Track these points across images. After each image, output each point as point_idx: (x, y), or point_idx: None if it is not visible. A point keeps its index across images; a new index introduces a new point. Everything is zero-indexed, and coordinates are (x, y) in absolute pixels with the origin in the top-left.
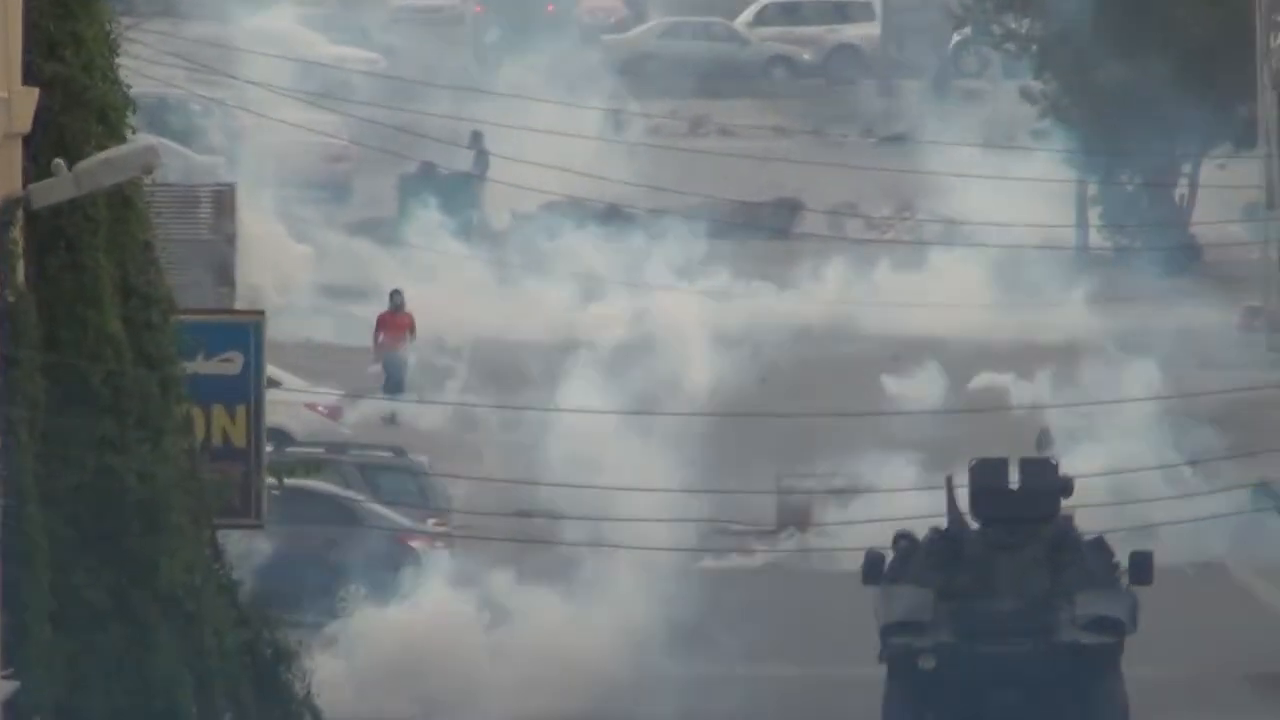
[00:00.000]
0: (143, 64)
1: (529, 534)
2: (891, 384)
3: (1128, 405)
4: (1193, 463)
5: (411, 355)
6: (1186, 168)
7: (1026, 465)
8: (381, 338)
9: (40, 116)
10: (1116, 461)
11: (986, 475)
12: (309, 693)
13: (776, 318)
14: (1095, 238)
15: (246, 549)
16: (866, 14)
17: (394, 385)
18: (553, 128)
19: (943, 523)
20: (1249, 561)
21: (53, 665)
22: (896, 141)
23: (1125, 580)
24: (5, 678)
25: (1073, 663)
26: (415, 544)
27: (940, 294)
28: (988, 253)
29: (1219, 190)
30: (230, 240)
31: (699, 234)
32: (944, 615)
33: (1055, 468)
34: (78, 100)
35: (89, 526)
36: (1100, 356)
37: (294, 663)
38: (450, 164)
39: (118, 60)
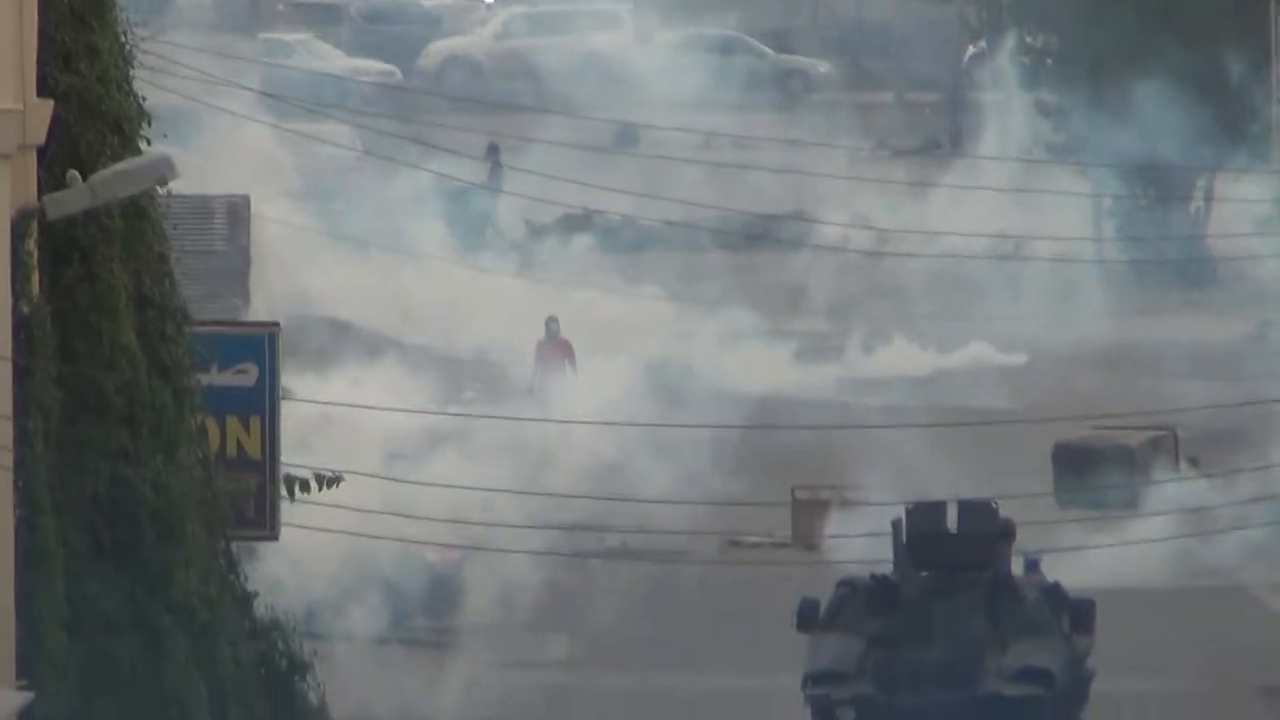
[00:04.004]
0: (157, 75)
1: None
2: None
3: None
4: (1208, 475)
5: (572, 382)
6: (1201, 181)
7: (965, 508)
8: (542, 371)
9: (55, 128)
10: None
11: (923, 519)
12: (324, 703)
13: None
14: (1110, 251)
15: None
16: (613, 23)
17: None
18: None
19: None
20: (1264, 575)
21: (67, 675)
22: (913, 155)
23: (1068, 629)
24: (20, 688)
25: (996, 716)
26: (432, 556)
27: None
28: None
29: (1233, 204)
30: (244, 251)
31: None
32: (869, 665)
33: (995, 511)
34: (93, 112)
35: (104, 536)
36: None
37: (309, 673)
38: (466, 176)
39: (133, 71)
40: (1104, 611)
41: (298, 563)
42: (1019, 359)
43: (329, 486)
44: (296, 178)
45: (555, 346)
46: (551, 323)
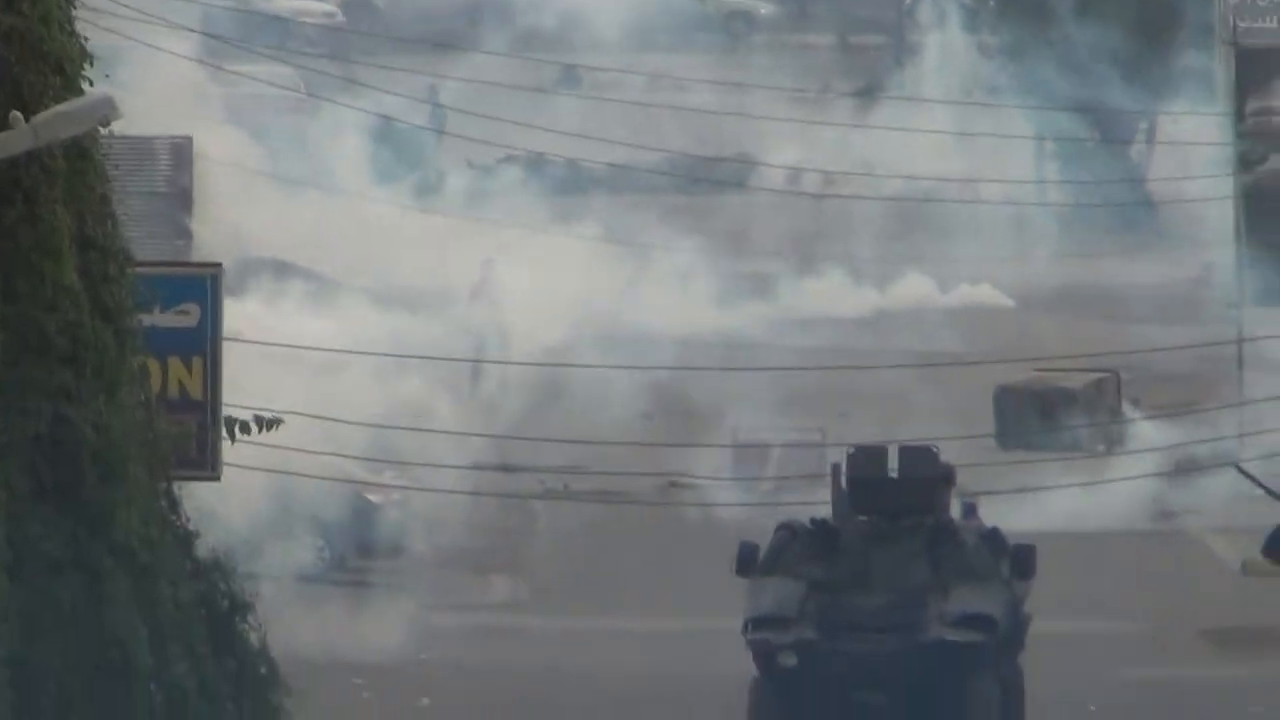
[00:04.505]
0: (99, 15)
1: (490, 487)
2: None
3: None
4: (1151, 418)
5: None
6: (1144, 123)
7: (906, 454)
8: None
9: None
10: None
11: (864, 464)
12: (265, 644)
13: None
14: (1053, 193)
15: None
16: None
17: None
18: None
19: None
20: (1204, 518)
21: (8, 616)
22: (854, 98)
23: (1008, 574)
24: None
25: (939, 662)
26: (374, 497)
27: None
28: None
29: (1177, 146)
30: (186, 192)
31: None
32: (811, 610)
33: (936, 456)
34: (35, 52)
35: (45, 477)
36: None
37: (249, 614)
38: (407, 117)
39: (75, 12)
40: (1047, 555)
41: (231, 501)
42: (962, 301)
43: (269, 428)
44: (238, 118)
45: (491, 290)
46: (487, 265)
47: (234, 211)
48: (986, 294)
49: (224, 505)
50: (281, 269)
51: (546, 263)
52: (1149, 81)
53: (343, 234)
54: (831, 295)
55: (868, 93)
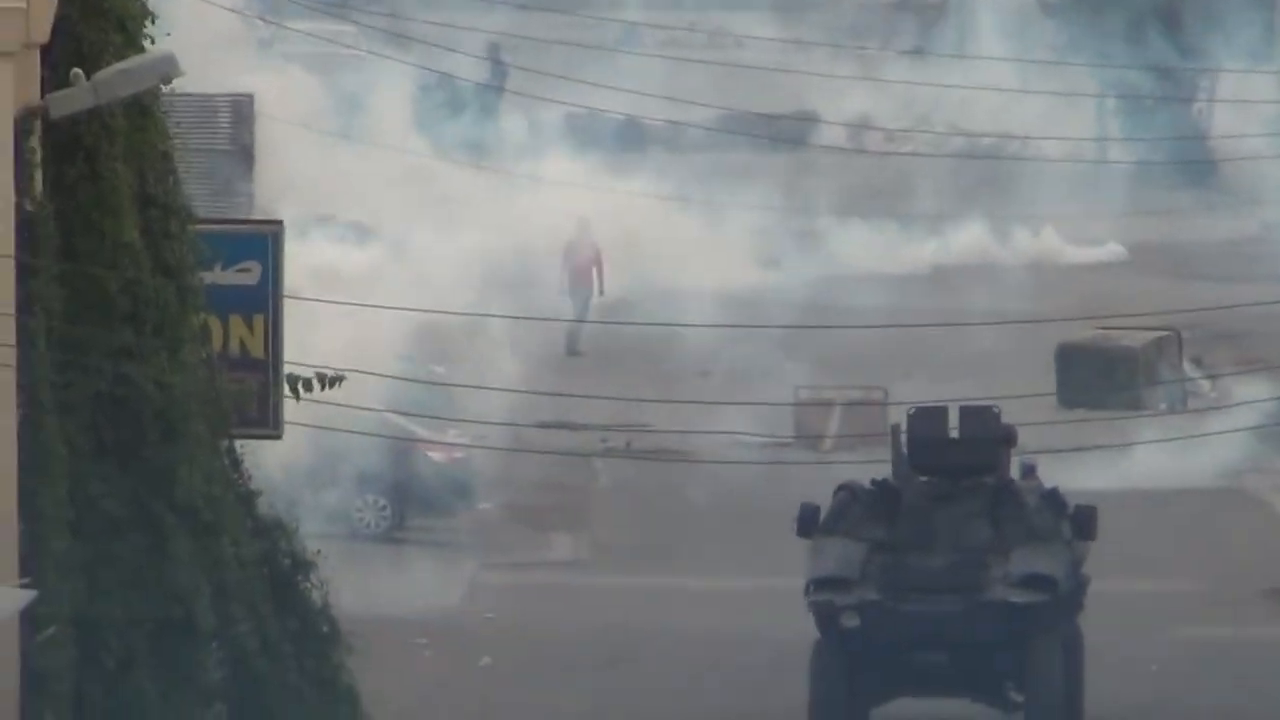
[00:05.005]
0: None
1: (550, 444)
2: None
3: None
4: (1212, 376)
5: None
6: (1205, 81)
7: (967, 413)
8: (572, 272)
9: (59, 26)
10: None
11: (925, 424)
12: (326, 602)
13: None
14: (1114, 150)
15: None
16: None
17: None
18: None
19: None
20: (1265, 477)
21: (70, 574)
22: (915, 55)
23: (1069, 534)
24: (23, 586)
25: (1001, 622)
26: (435, 455)
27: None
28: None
29: (1238, 104)
30: (248, 150)
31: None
32: (873, 571)
33: (997, 416)
34: (96, 10)
35: (107, 436)
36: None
37: (311, 572)
38: (468, 74)
39: None
40: (1108, 514)
41: (289, 456)
42: (1024, 258)
43: (331, 386)
44: (298, 74)
45: (585, 247)
46: (581, 223)
47: (294, 168)
48: (1048, 251)
49: (281, 461)
50: (335, 222)
51: (606, 219)
52: (1212, 39)
53: (401, 190)
54: (892, 252)
55: (928, 49)
